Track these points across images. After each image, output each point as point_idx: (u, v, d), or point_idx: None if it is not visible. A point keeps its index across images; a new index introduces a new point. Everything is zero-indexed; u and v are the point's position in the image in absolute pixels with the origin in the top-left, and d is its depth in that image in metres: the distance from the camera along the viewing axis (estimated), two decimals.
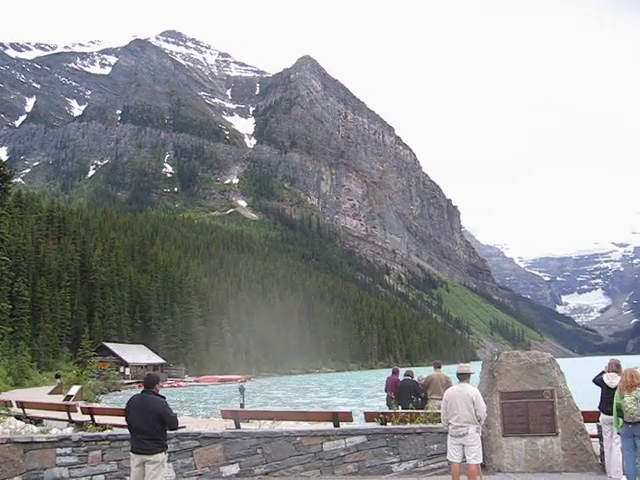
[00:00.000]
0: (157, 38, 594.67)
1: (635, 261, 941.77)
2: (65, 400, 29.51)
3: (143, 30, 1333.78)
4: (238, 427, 13.74)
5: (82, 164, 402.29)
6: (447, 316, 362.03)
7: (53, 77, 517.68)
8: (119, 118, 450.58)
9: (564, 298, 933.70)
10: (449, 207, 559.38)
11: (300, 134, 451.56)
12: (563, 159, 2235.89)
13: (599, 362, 13.23)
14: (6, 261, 59.52)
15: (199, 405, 46.16)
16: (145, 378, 8.45)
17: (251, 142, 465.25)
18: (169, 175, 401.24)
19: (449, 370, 14.79)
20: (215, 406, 41.16)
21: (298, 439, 10.89)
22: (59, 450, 10.62)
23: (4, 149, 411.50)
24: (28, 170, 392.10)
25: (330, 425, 12.56)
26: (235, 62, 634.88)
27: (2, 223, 54.80)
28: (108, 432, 12.81)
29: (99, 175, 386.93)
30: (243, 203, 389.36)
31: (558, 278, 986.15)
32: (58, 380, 48.18)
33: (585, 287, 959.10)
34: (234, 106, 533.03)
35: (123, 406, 9.51)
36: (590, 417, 10.94)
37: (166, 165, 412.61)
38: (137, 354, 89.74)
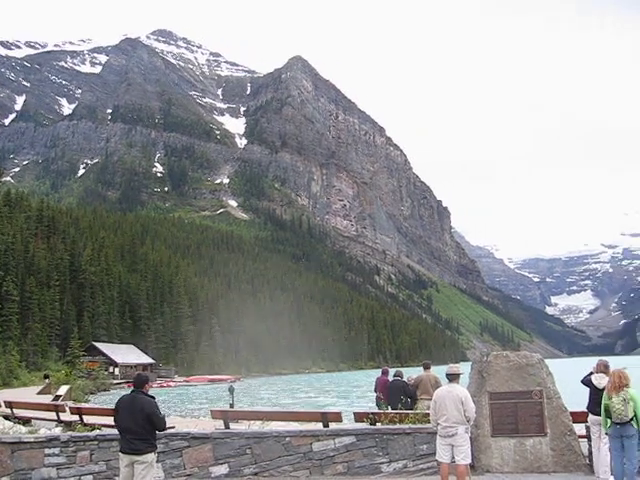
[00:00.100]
0: (148, 37, 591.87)
1: (624, 262, 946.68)
2: (54, 400, 29.33)
3: (134, 29, 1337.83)
4: (227, 427, 13.69)
5: (72, 163, 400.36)
6: (437, 317, 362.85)
7: (43, 75, 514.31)
8: (109, 117, 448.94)
9: (553, 299, 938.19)
10: (439, 208, 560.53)
11: (291, 134, 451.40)
12: (553, 160, 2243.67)
13: (588, 363, 13.30)
14: None
15: (188, 405, 46.00)
16: (135, 378, 8.44)
17: (242, 142, 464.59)
18: (159, 175, 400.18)
19: (439, 371, 14.80)
20: (204, 406, 41.08)
21: (287, 439, 10.89)
22: (47, 450, 10.57)
23: None
24: (17, 169, 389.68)
25: (319, 425, 12.52)
26: (226, 62, 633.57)
27: None
28: (97, 432, 12.72)
29: (89, 174, 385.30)
30: (233, 203, 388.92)
31: (547, 279, 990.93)
32: (47, 380, 47.92)
33: (574, 288, 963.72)
34: (225, 106, 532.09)
35: (112, 406, 9.47)
36: (578, 417, 10.99)
37: (156, 164, 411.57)
38: (126, 354, 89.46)
